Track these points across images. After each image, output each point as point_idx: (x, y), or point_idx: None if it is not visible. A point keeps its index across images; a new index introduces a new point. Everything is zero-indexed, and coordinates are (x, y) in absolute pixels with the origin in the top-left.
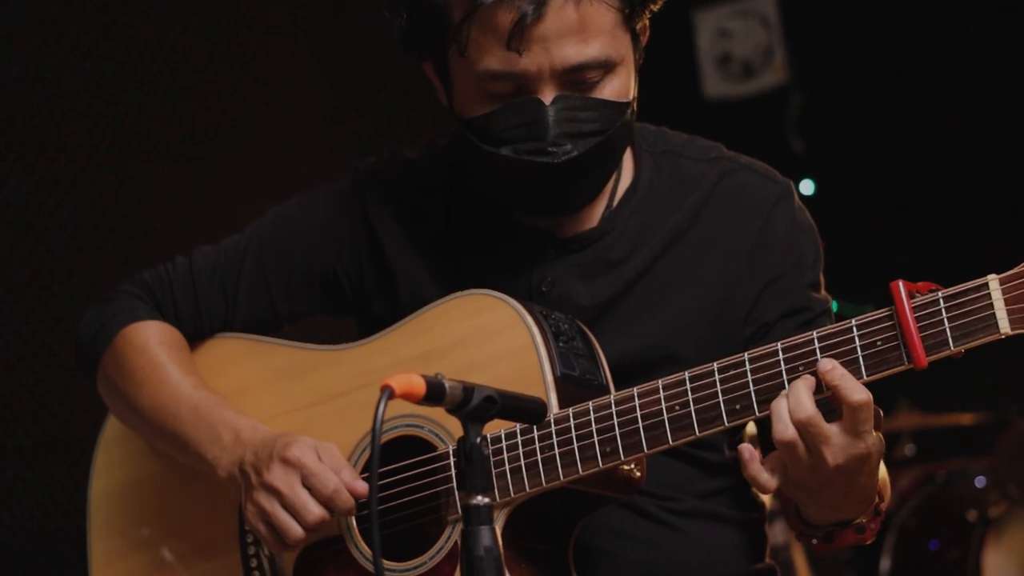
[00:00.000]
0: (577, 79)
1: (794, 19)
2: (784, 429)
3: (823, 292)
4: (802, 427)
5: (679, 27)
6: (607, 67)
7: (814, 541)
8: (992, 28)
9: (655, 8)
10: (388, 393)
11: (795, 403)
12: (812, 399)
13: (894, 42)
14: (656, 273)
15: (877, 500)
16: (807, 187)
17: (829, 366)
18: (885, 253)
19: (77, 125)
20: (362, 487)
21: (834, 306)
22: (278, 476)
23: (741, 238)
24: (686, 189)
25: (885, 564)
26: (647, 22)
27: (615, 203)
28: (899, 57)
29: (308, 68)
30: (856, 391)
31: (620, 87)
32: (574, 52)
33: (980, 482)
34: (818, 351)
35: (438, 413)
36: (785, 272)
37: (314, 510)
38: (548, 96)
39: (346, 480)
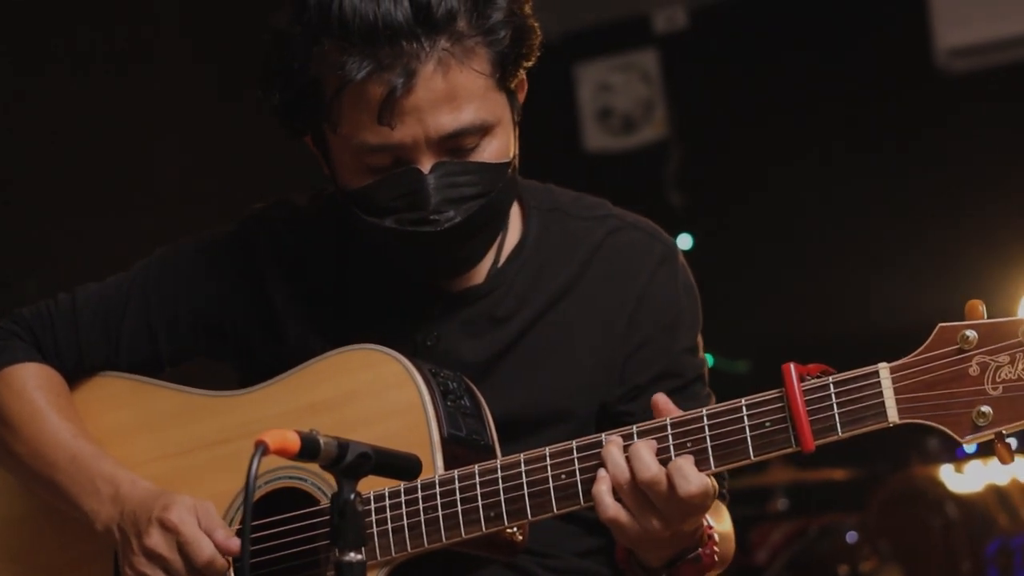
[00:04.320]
0: (454, 145)
1: (675, 74)
2: (605, 509)
3: (700, 355)
4: (646, 486)
5: (560, 80)
6: (484, 130)
7: None
8: (872, 87)
9: (528, 65)
10: (262, 449)
11: (640, 464)
12: (655, 459)
13: (773, 99)
14: (541, 331)
15: (705, 525)
16: (685, 241)
17: (651, 473)
18: (761, 309)
19: None
20: (236, 545)
21: (709, 360)
22: (158, 541)
23: (624, 297)
24: (573, 247)
25: None
26: (523, 77)
27: (502, 260)
28: (779, 114)
29: (202, 108)
30: (692, 483)
31: (499, 148)
32: (448, 120)
33: (851, 537)
34: (707, 428)
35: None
36: (660, 334)
37: None
38: (426, 165)
39: (219, 541)
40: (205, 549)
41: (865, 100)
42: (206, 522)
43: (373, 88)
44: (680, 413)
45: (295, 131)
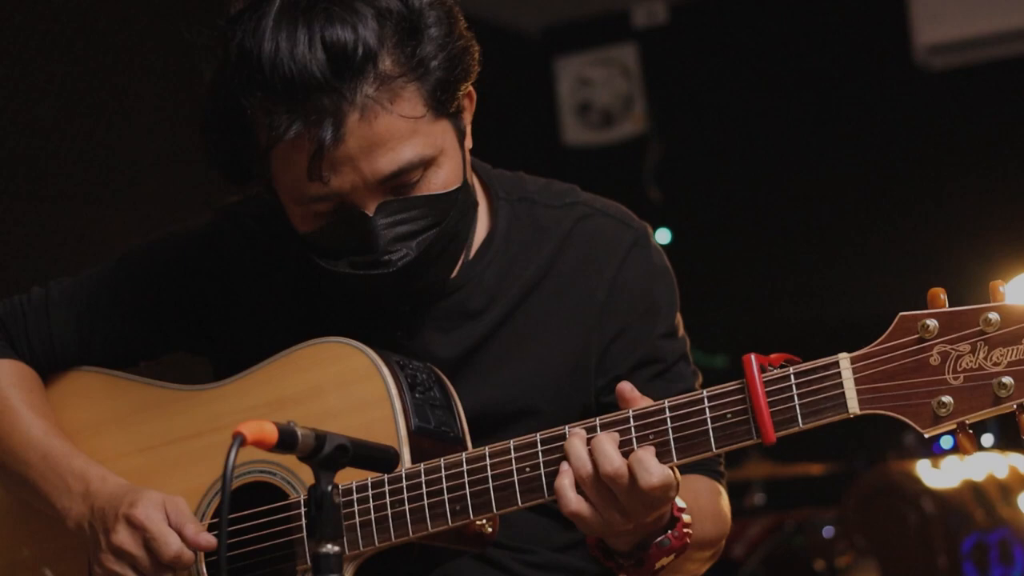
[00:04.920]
0: (397, 183)
1: (654, 69)
2: (568, 503)
3: (680, 334)
4: (608, 479)
5: (540, 74)
6: (425, 164)
7: (625, 565)
8: (851, 83)
9: (467, 85)
10: (240, 440)
11: (603, 457)
12: (618, 451)
13: (752, 94)
14: (513, 324)
15: (675, 507)
16: (663, 236)
17: (613, 466)
18: (740, 304)
19: None
20: (205, 541)
21: None
22: (125, 539)
23: (596, 286)
24: (542, 237)
25: None
26: (469, 90)
27: (472, 254)
28: (757, 109)
29: (174, 105)
30: (654, 475)
31: (446, 176)
32: (385, 163)
33: (828, 532)
34: (669, 419)
35: (290, 460)
36: (637, 322)
37: (165, 574)
38: (371, 206)
39: (189, 536)
40: (172, 545)
41: (844, 96)
42: (175, 517)
43: (302, 144)
44: (645, 402)
45: (239, 180)
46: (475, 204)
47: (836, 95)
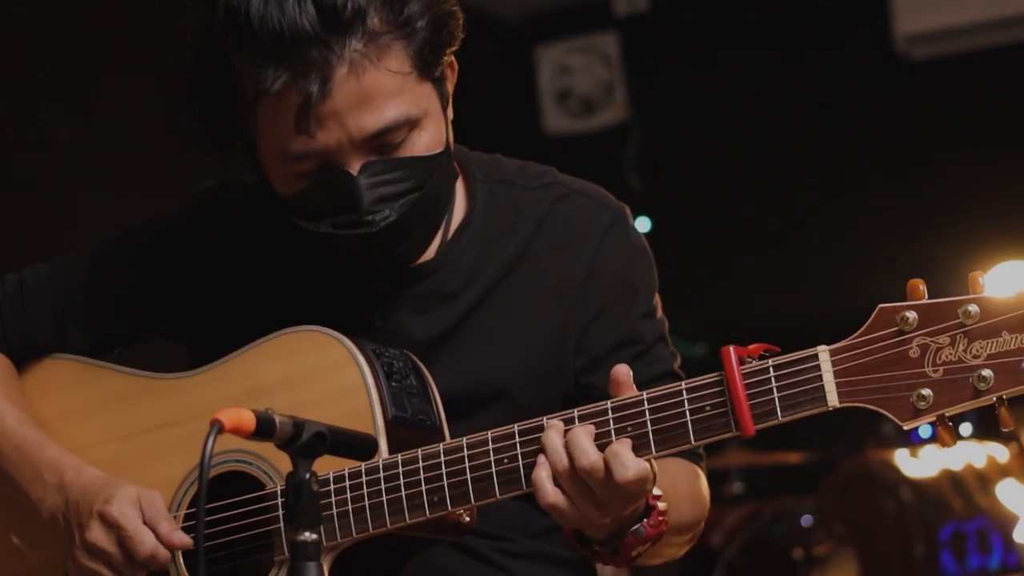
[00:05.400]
0: (381, 143)
1: (635, 57)
2: (545, 496)
3: (659, 315)
4: (584, 473)
5: (520, 62)
6: (410, 124)
7: (602, 553)
8: (832, 72)
9: (451, 51)
10: (218, 428)
11: (578, 451)
12: (594, 445)
13: (733, 83)
14: (490, 305)
15: (649, 497)
16: (643, 224)
17: (589, 460)
18: (720, 292)
19: None
20: (179, 540)
21: None
22: (99, 536)
23: (574, 267)
24: (520, 218)
25: None
26: (452, 61)
27: (449, 235)
28: (738, 98)
29: (152, 90)
30: (629, 469)
31: (429, 139)
32: (370, 120)
33: (806, 520)
34: (647, 412)
35: (267, 450)
36: (616, 302)
37: (139, 572)
38: (355, 166)
39: (163, 534)
40: (147, 543)
41: (825, 85)
42: (150, 514)
43: (289, 97)
44: (634, 392)
45: (220, 143)
46: (456, 174)
47: (817, 84)
